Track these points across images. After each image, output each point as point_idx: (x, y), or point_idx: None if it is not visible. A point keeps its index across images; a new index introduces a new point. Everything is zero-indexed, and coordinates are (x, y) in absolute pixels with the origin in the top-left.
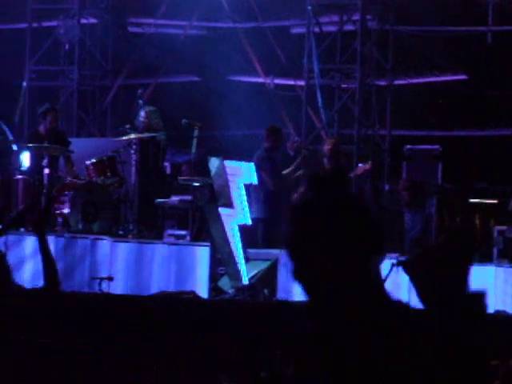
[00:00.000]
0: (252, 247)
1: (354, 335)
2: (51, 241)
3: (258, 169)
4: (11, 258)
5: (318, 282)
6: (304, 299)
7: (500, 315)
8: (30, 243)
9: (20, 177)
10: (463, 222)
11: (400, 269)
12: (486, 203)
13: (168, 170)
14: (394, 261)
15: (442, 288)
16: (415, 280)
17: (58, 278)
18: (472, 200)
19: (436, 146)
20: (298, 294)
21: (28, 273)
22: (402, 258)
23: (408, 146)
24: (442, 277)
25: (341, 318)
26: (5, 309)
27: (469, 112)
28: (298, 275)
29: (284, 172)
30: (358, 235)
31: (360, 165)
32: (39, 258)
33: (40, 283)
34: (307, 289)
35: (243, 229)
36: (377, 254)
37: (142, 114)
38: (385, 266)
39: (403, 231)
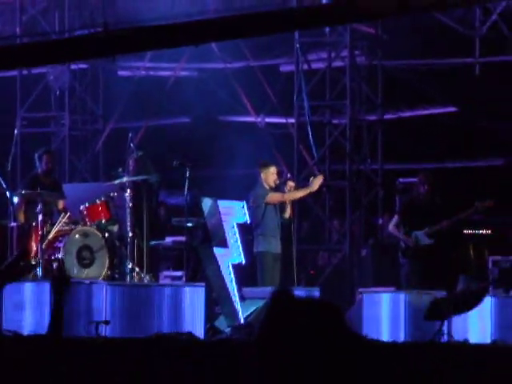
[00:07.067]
0: (248, 285)
1: None
2: (47, 287)
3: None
4: (8, 305)
5: None
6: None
7: (498, 344)
8: (28, 290)
9: (14, 224)
10: (458, 253)
11: None
12: (479, 234)
13: (162, 212)
14: None
15: None
16: None
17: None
18: (466, 231)
19: None
20: None
21: (28, 320)
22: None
23: (401, 180)
24: None
25: None
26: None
27: (460, 144)
28: None
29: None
30: None
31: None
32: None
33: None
34: None
35: (238, 268)
36: None
37: (130, 161)
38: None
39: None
